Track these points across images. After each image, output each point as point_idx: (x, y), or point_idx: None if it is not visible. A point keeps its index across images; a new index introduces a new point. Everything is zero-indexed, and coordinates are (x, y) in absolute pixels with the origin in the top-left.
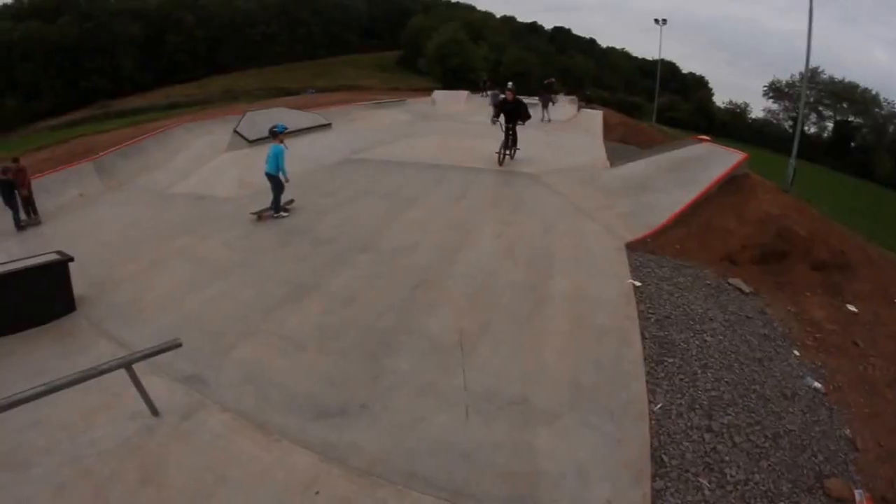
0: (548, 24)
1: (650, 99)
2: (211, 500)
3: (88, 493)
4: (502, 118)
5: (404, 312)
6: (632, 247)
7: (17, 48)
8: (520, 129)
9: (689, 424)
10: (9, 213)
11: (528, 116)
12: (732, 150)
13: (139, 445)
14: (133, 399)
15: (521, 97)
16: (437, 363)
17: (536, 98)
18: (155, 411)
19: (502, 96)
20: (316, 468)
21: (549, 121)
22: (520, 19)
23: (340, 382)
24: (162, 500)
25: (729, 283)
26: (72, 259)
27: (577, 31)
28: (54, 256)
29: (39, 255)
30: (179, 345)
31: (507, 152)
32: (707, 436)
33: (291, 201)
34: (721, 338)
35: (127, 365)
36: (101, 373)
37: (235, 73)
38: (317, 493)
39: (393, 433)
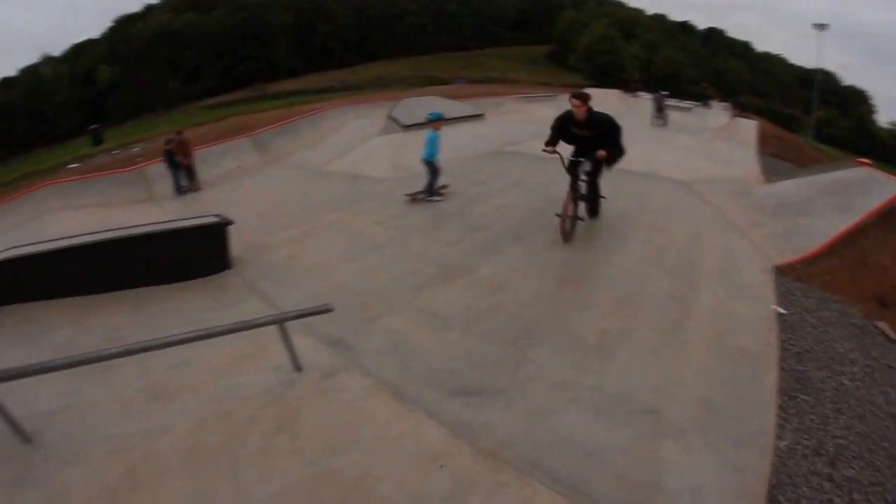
0: (700, 24)
1: (805, 111)
2: (340, 456)
3: (226, 430)
4: (566, 152)
5: (550, 305)
6: (780, 271)
7: (178, 37)
8: (665, 133)
9: (811, 469)
10: (171, 180)
11: (618, 152)
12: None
13: (279, 395)
14: (278, 354)
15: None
16: (576, 360)
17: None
18: (298, 367)
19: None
20: (445, 442)
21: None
22: (671, 17)
23: (481, 364)
24: (294, 449)
25: (875, 327)
26: (231, 223)
27: (730, 32)
28: (215, 219)
29: (202, 217)
30: (331, 310)
31: (579, 216)
32: (827, 485)
33: (445, 186)
34: (859, 384)
35: (280, 321)
36: (254, 326)
37: (385, 62)
38: (441, 466)
39: (524, 421)
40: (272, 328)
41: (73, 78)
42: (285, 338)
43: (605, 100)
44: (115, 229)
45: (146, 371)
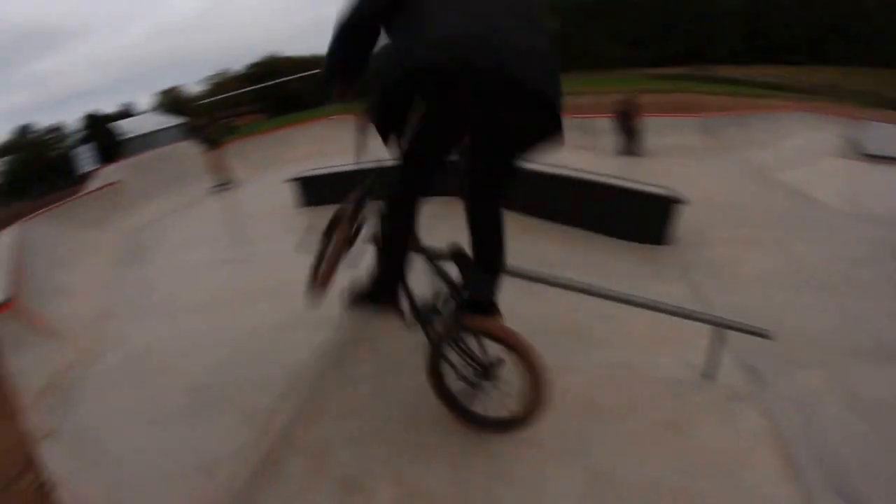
0: None
1: None
2: (700, 481)
3: (618, 396)
4: None
5: None
6: None
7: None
8: None
9: None
10: (617, 138)
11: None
12: None
13: (680, 393)
14: (694, 351)
15: None
16: None
17: None
18: (710, 376)
19: None
20: None
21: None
22: None
23: None
24: (673, 450)
25: None
26: (682, 201)
27: None
28: (667, 192)
29: (653, 185)
30: (768, 338)
31: None
32: None
33: None
34: None
35: (718, 325)
36: (692, 318)
37: (840, 69)
38: None
39: None
40: (693, 323)
41: None
42: (716, 344)
43: None
44: (574, 169)
45: (574, 307)
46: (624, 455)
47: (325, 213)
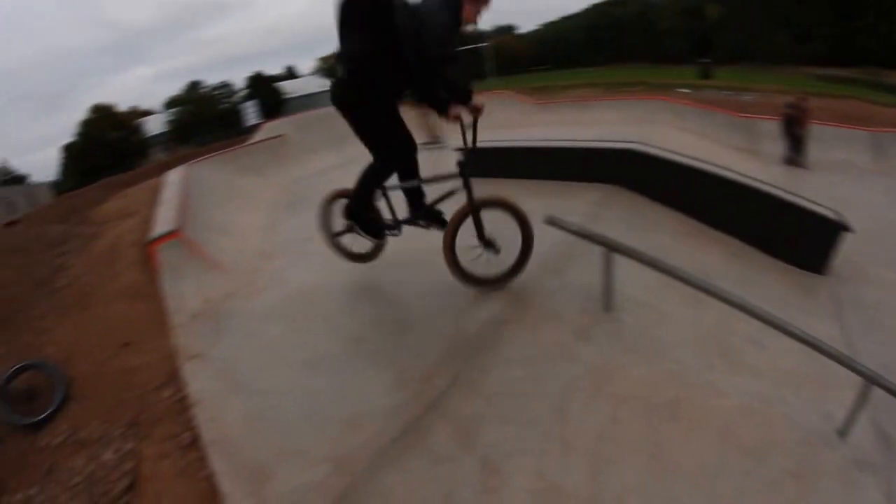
0: None
1: None
2: None
3: (752, 434)
4: None
5: None
6: None
7: None
8: None
9: None
10: (783, 145)
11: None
12: None
13: (811, 443)
14: (832, 400)
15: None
16: None
17: None
18: (845, 432)
19: None
20: None
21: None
22: None
23: None
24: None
25: None
26: (848, 228)
27: None
28: (832, 214)
29: (819, 205)
30: None
31: None
32: None
33: None
34: None
35: (871, 381)
36: (844, 363)
37: None
38: None
39: None
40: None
41: (682, 7)
42: (860, 400)
43: None
44: (739, 174)
45: (729, 327)
46: (744, 492)
47: (485, 185)
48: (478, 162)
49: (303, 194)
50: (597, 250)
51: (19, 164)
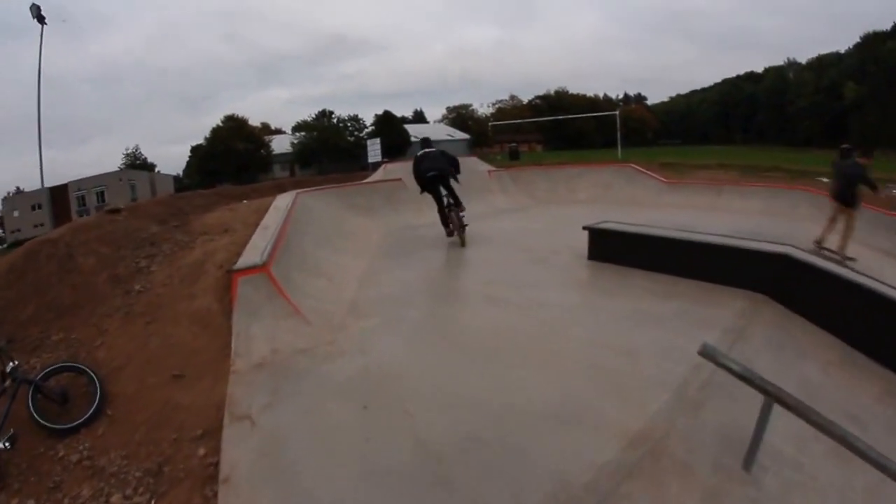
0: None
1: None
2: None
3: None
4: None
5: None
6: None
7: None
8: None
9: None
10: None
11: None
12: None
13: None
14: None
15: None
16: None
17: None
18: None
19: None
20: None
21: None
22: None
23: None
24: None
25: None
26: None
27: None
28: None
29: None
30: None
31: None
32: None
33: None
34: None
35: None
36: None
37: None
38: None
39: None
40: None
41: (817, 87)
42: None
43: None
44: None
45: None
46: None
47: (613, 273)
48: (605, 245)
49: (410, 245)
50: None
51: (150, 154)
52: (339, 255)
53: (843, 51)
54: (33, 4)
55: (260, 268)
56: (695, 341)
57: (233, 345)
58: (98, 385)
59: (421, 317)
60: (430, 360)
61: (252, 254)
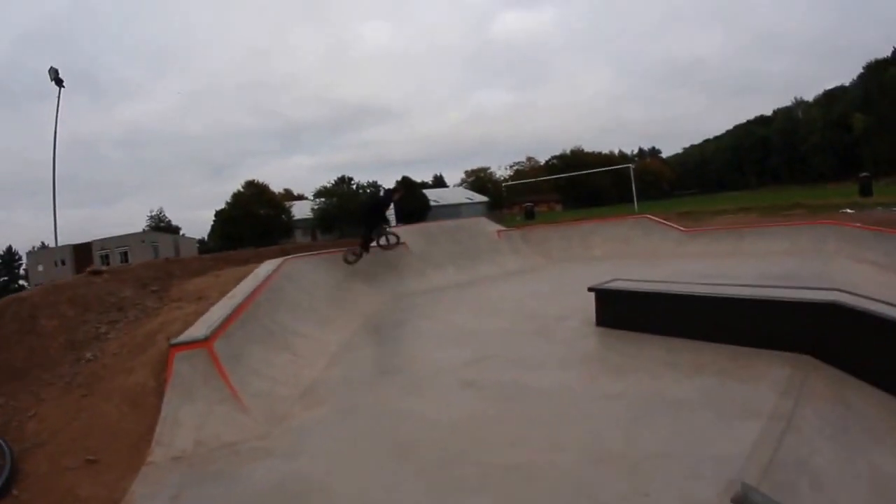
0: None
1: None
2: None
3: None
4: None
5: None
6: None
7: None
8: None
9: None
10: None
11: None
12: None
13: None
14: None
15: None
16: None
17: None
18: None
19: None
20: None
21: None
22: None
23: None
24: None
25: None
26: None
27: None
28: None
29: None
30: None
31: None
32: None
33: None
34: None
35: None
36: None
37: None
38: None
39: None
40: None
41: (826, 122)
42: None
43: None
44: None
45: None
46: None
47: (624, 343)
48: (615, 308)
49: (401, 315)
50: None
51: (176, 217)
52: (320, 327)
53: (848, 83)
54: (51, 68)
55: (201, 342)
56: (730, 442)
57: (157, 430)
58: (10, 462)
59: (376, 406)
60: (368, 468)
61: (199, 326)
